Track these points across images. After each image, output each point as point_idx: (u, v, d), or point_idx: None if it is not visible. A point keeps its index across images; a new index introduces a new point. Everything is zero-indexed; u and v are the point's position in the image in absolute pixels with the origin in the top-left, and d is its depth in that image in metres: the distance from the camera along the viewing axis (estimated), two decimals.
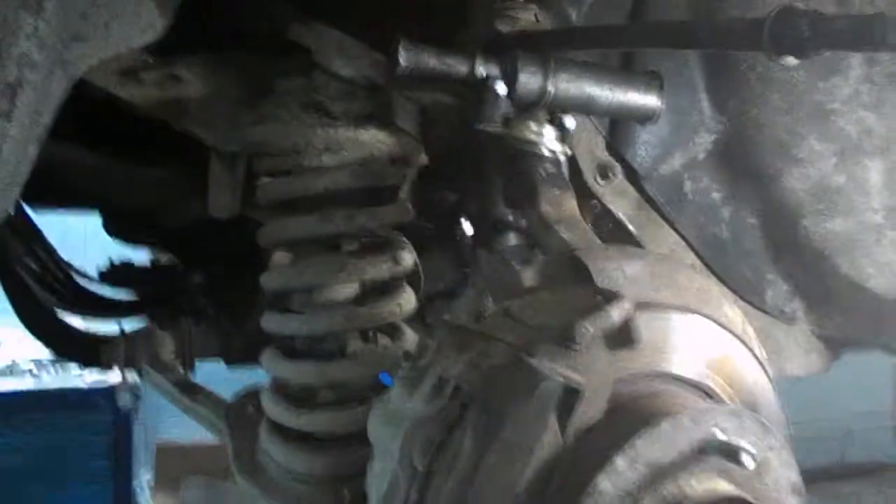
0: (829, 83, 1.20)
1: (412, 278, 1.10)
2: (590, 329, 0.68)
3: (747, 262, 1.35)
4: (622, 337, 0.72)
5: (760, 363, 0.87)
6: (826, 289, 1.38)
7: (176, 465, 4.13)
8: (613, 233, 1.24)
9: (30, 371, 3.55)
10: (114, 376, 3.41)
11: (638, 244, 1.26)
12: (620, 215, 1.25)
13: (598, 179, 1.22)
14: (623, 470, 0.67)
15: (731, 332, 0.84)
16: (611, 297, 0.72)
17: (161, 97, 1.01)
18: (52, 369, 3.56)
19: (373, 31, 1.02)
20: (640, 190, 1.26)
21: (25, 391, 3.38)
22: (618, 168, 1.22)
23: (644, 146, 1.23)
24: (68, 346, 1.44)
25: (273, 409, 1.04)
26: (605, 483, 0.67)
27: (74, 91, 0.87)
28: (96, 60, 0.87)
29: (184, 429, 4.13)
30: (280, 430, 1.05)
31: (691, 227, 1.30)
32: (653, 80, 1.01)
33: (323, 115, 0.99)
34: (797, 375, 1.48)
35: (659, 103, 1.01)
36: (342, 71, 0.97)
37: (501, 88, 0.92)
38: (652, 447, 0.69)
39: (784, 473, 0.76)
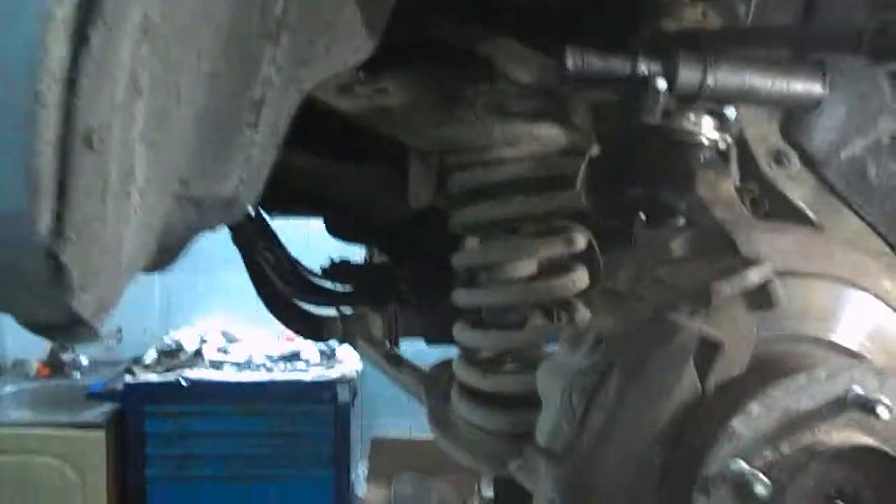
0: None
1: (589, 261, 1.20)
2: (726, 289, 0.76)
3: None
4: (762, 300, 0.78)
5: None
6: None
7: (389, 459, 4.45)
8: (789, 220, 1.26)
9: (263, 365, 3.98)
10: (335, 372, 3.79)
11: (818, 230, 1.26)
12: (798, 202, 1.26)
13: (773, 166, 1.24)
14: (758, 415, 0.75)
15: (889, 304, 0.87)
16: (752, 262, 0.79)
17: (371, 107, 1.20)
18: (282, 364, 4.00)
19: (551, 39, 1.15)
20: (820, 176, 1.27)
21: (260, 381, 3.82)
22: (793, 155, 1.24)
23: (822, 132, 1.24)
24: (297, 323, 1.70)
25: (463, 373, 1.19)
26: (741, 426, 0.75)
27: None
28: (320, 79, 1.07)
29: (398, 426, 4.48)
30: (468, 392, 1.20)
31: (878, 213, 1.28)
32: (816, 69, 1.04)
33: (503, 115, 1.13)
34: None
35: (823, 91, 1.04)
36: (520, 77, 1.11)
37: (662, 84, 1.01)
38: (787, 397, 0.75)
39: None
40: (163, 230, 1.14)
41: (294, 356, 4.06)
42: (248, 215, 1.81)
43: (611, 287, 0.88)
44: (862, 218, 1.28)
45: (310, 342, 3.96)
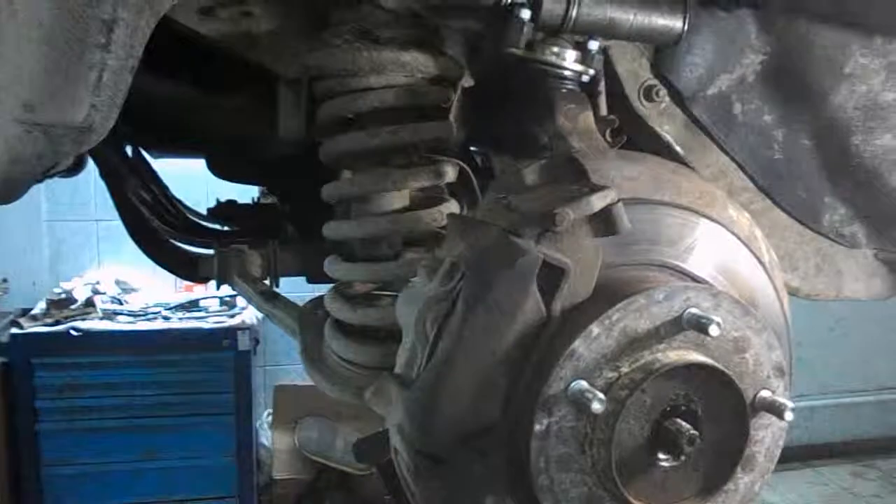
0: None
1: (468, 192, 1.20)
2: (570, 214, 0.76)
3: (803, 184, 1.35)
4: (607, 226, 0.79)
5: (764, 267, 0.92)
6: (885, 210, 1.37)
7: (293, 405, 4.43)
8: (658, 153, 1.29)
9: (160, 314, 3.87)
10: (235, 320, 3.73)
11: (685, 165, 1.29)
12: (667, 136, 1.29)
13: (643, 101, 1.26)
14: (598, 336, 0.76)
15: (733, 233, 0.90)
16: (597, 188, 0.80)
17: (235, 31, 1.15)
18: (180, 313, 3.90)
19: None
20: (688, 112, 1.29)
21: (156, 330, 3.72)
22: (663, 90, 1.26)
23: (688, 68, 1.25)
24: (171, 262, 1.64)
25: (334, 306, 1.18)
26: (582, 347, 0.76)
27: (159, 28, 1.01)
28: None
29: (301, 372, 4.45)
30: (340, 326, 1.19)
31: (743, 150, 1.32)
32: (678, 5, 1.05)
33: (371, 41, 1.09)
34: (858, 298, 1.48)
35: (683, 27, 1.05)
36: (386, 2, 1.08)
37: (525, 14, 1.00)
38: (626, 317, 0.77)
39: (766, 353, 0.82)
40: (9, 159, 1.07)
41: (192, 305, 3.97)
42: (122, 154, 1.73)
43: (464, 215, 0.88)
44: (726, 153, 1.32)
45: (209, 290, 3.88)
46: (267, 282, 1.56)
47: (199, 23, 1.14)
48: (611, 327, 0.76)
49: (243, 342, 3.80)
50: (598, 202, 0.78)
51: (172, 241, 1.74)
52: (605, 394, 0.75)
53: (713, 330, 0.75)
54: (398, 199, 1.15)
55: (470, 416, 0.76)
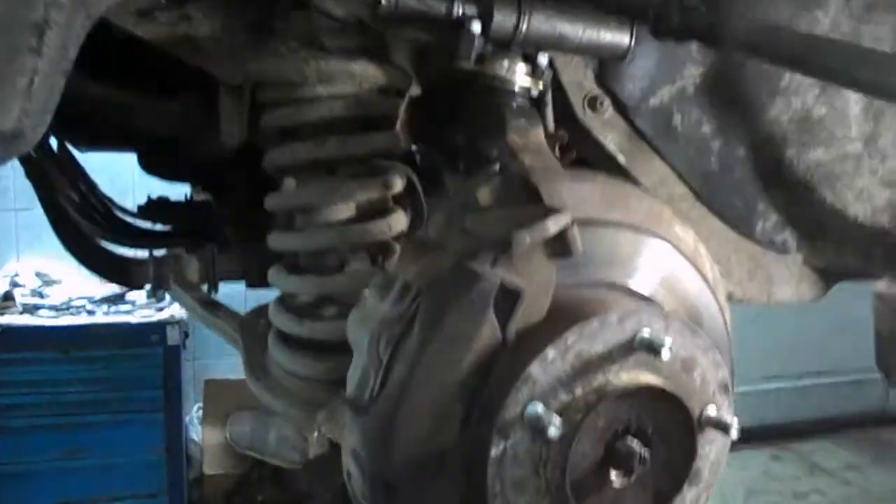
0: (811, 15, 1.23)
1: (413, 204, 1.19)
2: (526, 238, 0.77)
3: (738, 193, 1.39)
4: (561, 248, 0.80)
5: (708, 283, 0.94)
6: (815, 219, 1.43)
7: (224, 399, 4.35)
8: (601, 164, 1.31)
9: (84, 308, 3.74)
10: (163, 313, 3.64)
11: (627, 175, 1.32)
12: (610, 146, 1.31)
13: (587, 111, 1.27)
14: (554, 360, 0.77)
15: (679, 250, 0.92)
16: (552, 211, 0.81)
17: (174, 35, 1.11)
18: (105, 307, 3.77)
19: None
20: (630, 123, 1.31)
21: (82, 325, 3.58)
22: (607, 100, 1.27)
23: (632, 79, 1.27)
24: (104, 267, 1.58)
25: (279, 318, 1.16)
26: (538, 370, 0.77)
27: (97, 31, 0.97)
28: (113, 1, 0.97)
29: (232, 366, 4.37)
30: (285, 339, 1.16)
31: (682, 160, 1.34)
32: (625, 20, 1.07)
33: (318, 51, 1.07)
34: (787, 303, 1.54)
35: (630, 42, 1.06)
36: (333, 11, 1.05)
37: (476, 27, 0.99)
38: (581, 341, 0.78)
39: (712, 371, 0.84)
40: None
41: (118, 298, 3.84)
42: (48, 150, 1.65)
43: (420, 235, 0.87)
44: (667, 163, 1.34)
45: None
46: (205, 287, 1.52)
47: (136, 25, 1.09)
48: (566, 351, 0.77)
49: (172, 337, 3.70)
50: (553, 226, 0.78)
51: (103, 244, 1.68)
52: (560, 416, 0.76)
53: (664, 353, 0.77)
54: (345, 210, 1.13)
55: (426, 441, 0.76)
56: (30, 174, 1.56)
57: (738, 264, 1.44)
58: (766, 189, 1.39)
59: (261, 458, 4.24)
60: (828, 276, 1.54)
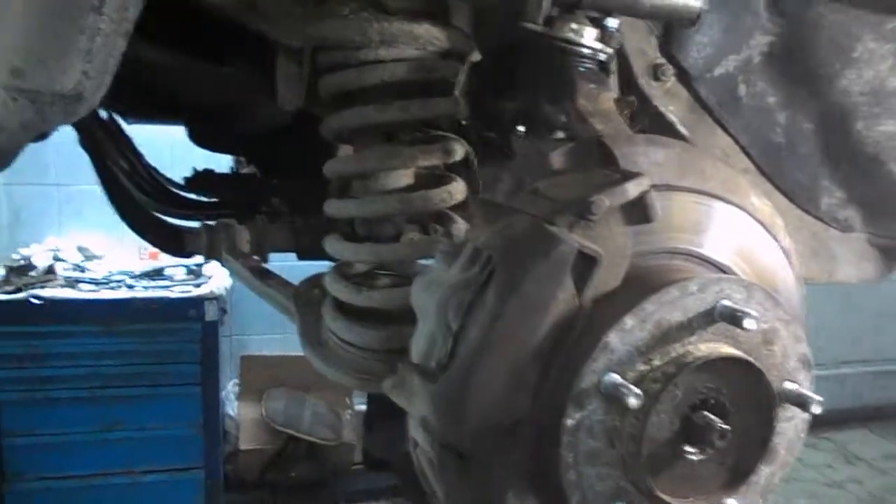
0: None
1: (466, 172, 1.16)
2: (605, 202, 0.74)
3: (802, 167, 1.35)
4: (639, 213, 0.77)
5: (785, 253, 0.91)
6: (881, 196, 1.38)
7: (260, 375, 4.39)
8: (663, 133, 1.27)
9: (124, 282, 3.77)
10: (202, 289, 3.66)
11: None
12: (671, 116, 1.27)
13: (650, 80, 1.24)
14: (632, 328, 0.74)
15: (756, 219, 0.88)
16: (630, 175, 0.78)
17: None
18: (145, 281, 3.80)
19: None
20: (693, 92, 1.27)
21: (122, 299, 3.62)
22: (670, 69, 1.24)
23: (697, 48, 1.24)
24: (157, 236, 1.57)
25: (336, 287, 1.14)
26: (615, 339, 0.74)
27: None
28: None
29: (270, 343, 4.41)
30: (341, 307, 1.15)
31: (745, 131, 1.31)
32: None
33: (380, 12, 1.05)
34: (848, 283, 1.50)
35: (701, 5, 1.02)
36: None
37: None
38: (660, 309, 0.75)
39: (793, 345, 0.81)
40: None
41: (157, 273, 3.87)
42: (99, 119, 1.65)
43: (489, 199, 0.85)
44: (730, 135, 1.31)
45: (174, 259, 3.79)
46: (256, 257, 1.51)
47: None
48: (644, 319, 0.74)
49: (210, 312, 3.73)
50: (633, 189, 0.76)
51: (154, 213, 1.68)
52: (637, 387, 0.74)
53: (748, 323, 0.74)
54: (404, 178, 1.11)
55: (499, 409, 0.74)
56: (83, 143, 1.55)
57: (801, 242, 1.40)
58: (832, 164, 1.35)
59: (296, 434, 4.28)
60: (891, 256, 1.49)
